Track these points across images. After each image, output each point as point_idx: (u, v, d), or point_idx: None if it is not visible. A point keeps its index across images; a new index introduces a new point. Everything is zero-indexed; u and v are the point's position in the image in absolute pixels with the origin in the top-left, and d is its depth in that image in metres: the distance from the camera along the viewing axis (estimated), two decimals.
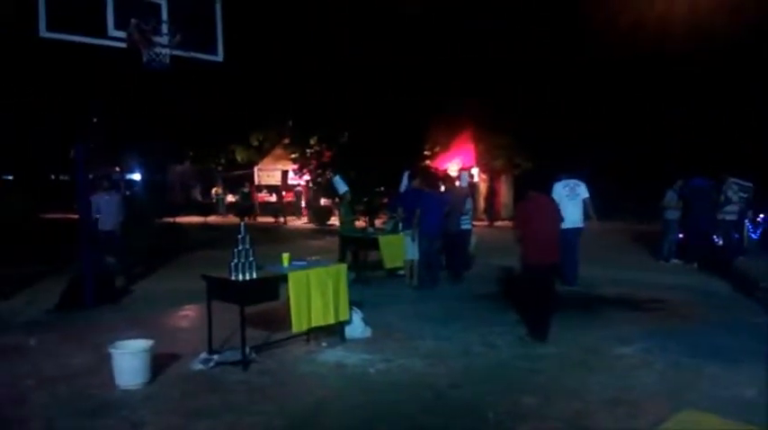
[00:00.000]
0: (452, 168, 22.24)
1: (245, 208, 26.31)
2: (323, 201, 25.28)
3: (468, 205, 10.59)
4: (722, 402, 4.60)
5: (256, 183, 28.58)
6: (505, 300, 8.21)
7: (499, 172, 24.11)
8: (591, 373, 5.31)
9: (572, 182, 9.28)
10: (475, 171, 23.34)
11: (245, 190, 27.37)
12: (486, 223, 21.40)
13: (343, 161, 21.05)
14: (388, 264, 9.83)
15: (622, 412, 4.45)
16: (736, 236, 11.80)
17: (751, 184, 11.39)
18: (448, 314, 7.70)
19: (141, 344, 5.30)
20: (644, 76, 19.12)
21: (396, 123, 20.88)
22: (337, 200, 12.73)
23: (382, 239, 9.81)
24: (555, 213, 6.68)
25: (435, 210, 9.38)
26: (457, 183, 11.73)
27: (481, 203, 22.63)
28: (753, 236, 12.61)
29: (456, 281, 9.93)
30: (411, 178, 10.22)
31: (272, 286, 5.77)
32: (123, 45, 6.77)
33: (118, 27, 6.70)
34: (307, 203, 26.96)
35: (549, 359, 5.78)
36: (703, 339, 6.31)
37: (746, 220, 12.19)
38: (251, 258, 5.63)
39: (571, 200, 9.03)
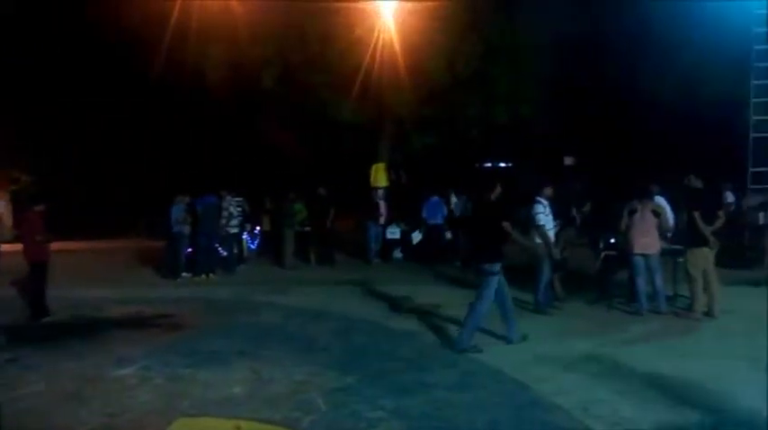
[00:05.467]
0: None
1: None
2: None
3: None
4: (213, 404, 4.91)
5: None
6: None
7: None
8: (83, 403, 4.91)
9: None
10: None
11: None
12: None
13: None
14: None
15: None
16: (237, 247, 13.12)
17: (242, 199, 12.82)
18: None
19: None
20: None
21: None
22: None
23: None
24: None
25: None
26: None
27: None
28: (251, 246, 14.24)
29: None
30: None
31: None
32: None
33: None
34: None
35: (38, 397, 5.10)
36: (203, 345, 6.64)
37: (245, 233, 13.66)
38: None
39: None
